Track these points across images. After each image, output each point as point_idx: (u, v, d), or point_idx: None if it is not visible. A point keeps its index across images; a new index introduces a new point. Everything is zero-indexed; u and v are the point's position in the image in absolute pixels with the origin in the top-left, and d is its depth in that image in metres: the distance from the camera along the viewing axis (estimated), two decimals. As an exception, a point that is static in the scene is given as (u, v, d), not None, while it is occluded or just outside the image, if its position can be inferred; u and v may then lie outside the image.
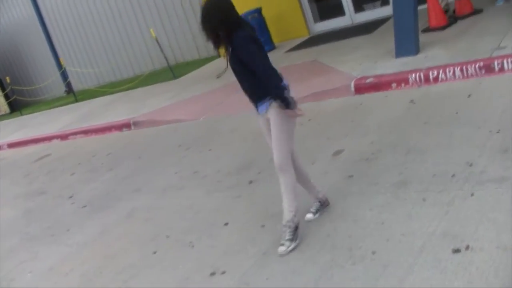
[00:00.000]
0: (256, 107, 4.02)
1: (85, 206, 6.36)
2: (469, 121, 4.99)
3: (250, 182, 5.36)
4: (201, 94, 9.79)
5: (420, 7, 9.22)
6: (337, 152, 5.34)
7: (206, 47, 13.68)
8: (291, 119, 3.89)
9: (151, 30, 12.40)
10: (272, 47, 11.45)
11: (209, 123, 8.05)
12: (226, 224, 4.65)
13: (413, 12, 7.02)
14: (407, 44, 7.09)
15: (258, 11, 11.25)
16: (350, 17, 11.12)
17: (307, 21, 11.55)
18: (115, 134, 9.54)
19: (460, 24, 8.01)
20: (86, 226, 5.73)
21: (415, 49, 7.11)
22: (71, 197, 6.86)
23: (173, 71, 11.94)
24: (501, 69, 5.87)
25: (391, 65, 7.06)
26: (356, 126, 5.91)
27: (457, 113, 5.30)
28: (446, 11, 8.22)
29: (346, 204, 4.24)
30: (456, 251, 3.23)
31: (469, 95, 5.63)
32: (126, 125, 9.47)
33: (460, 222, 3.49)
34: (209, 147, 6.90)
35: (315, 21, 11.56)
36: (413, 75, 6.46)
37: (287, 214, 3.90)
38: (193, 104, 9.27)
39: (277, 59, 10.35)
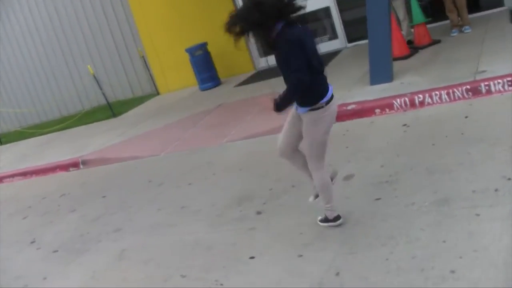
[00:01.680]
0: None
1: (56, 251, 5.66)
2: (480, 140, 4.95)
3: (259, 213, 4.98)
4: (152, 130, 9.32)
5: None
6: (348, 177, 5.10)
7: (140, 85, 13.20)
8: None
9: (89, 66, 11.76)
10: (218, 83, 11.19)
11: (174, 158, 7.58)
12: (252, 257, 4.22)
13: (388, 40, 7.03)
14: (382, 72, 7.08)
15: (204, 46, 10.96)
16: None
17: (252, 56, 11.39)
18: (61, 174, 8.78)
19: (423, 54, 8.17)
20: (68, 272, 5.06)
21: (390, 77, 7.11)
22: (33, 242, 6.12)
23: (112, 109, 11.30)
24: (488, 91, 5.95)
25: (369, 92, 7.00)
26: (354, 151, 5.72)
27: (462, 133, 5.25)
28: (408, 41, 8.36)
29: (390, 226, 3.99)
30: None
31: (466, 116, 5.62)
32: (74, 165, 8.75)
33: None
34: (187, 182, 6.44)
35: (261, 55, 11.41)
36: (398, 100, 6.42)
37: None
38: (147, 141, 8.77)
39: (228, 94, 10.14)
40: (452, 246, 3.52)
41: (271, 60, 11.08)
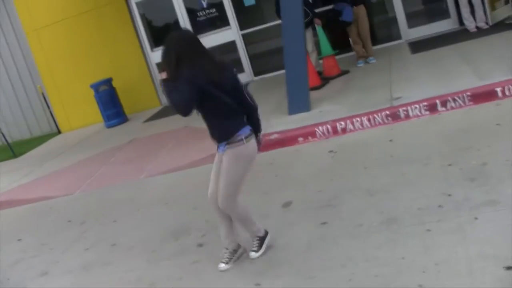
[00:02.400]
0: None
1: (-27, 303, 5.09)
2: (411, 160, 5.14)
3: (200, 245, 4.81)
4: (61, 169, 8.81)
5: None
6: (287, 204, 5.08)
7: (39, 124, 12.55)
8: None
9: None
10: (125, 119, 10.86)
11: (90, 196, 7.20)
12: (206, 291, 4.03)
13: (305, 70, 7.20)
14: (300, 101, 7.22)
15: (109, 81, 10.65)
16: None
17: (158, 92, 11.22)
18: (-41, 221, 7.99)
19: (334, 84, 8.44)
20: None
21: (308, 106, 7.25)
22: None
23: (13, 150, 10.60)
24: (407, 116, 6.23)
25: (289, 121, 7.09)
26: (285, 179, 5.73)
27: (392, 156, 5.43)
28: (319, 72, 8.61)
29: (344, 248, 3.97)
30: (509, 268, 3.15)
31: (391, 140, 5.83)
32: (-26, 210, 8.01)
33: (487, 243, 3.47)
34: (111, 219, 6.12)
35: (167, 91, 11.25)
36: (320, 127, 6.55)
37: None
38: (58, 180, 8.27)
39: (137, 129, 9.90)
40: (412, 261, 3.56)
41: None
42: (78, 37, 11.01)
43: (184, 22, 10.77)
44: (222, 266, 4.11)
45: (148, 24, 11.14)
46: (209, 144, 7.21)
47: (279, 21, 9.82)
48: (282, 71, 9.92)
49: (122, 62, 10.88)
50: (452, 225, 3.83)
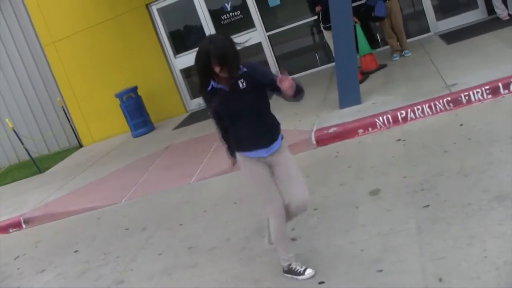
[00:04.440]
0: (267, 146, 3.71)
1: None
2: (493, 141, 5.06)
3: (294, 239, 4.63)
4: (97, 180, 8.61)
5: (327, 66, 9.60)
6: (374, 192, 4.94)
7: (56, 139, 12.31)
8: None
9: (7, 120, 10.73)
10: (152, 128, 10.68)
11: (140, 203, 7.02)
12: (322, 282, 3.88)
13: (355, 64, 7.12)
14: (351, 94, 7.12)
15: (134, 90, 10.47)
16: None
17: (183, 99, 11.07)
18: (0, 237, 7.77)
19: (375, 77, 8.35)
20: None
21: (359, 99, 7.15)
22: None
23: (37, 165, 10.35)
24: (469, 101, 6.14)
25: (343, 115, 6.98)
26: (360, 169, 5.60)
27: (469, 138, 5.33)
28: (358, 67, 8.53)
29: (462, 228, 3.85)
30: None
31: (461, 124, 5.74)
32: (14, 225, 7.81)
33: None
34: (177, 222, 5.95)
35: (192, 97, 11.12)
36: (381, 118, 6.44)
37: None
38: (98, 191, 8.07)
39: (169, 137, 9.73)
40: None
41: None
42: (99, 47, 10.83)
43: (208, 26, 10.65)
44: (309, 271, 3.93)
45: (170, 29, 10.96)
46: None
47: (305, 20, 9.82)
48: (311, 71, 9.93)
49: (145, 70, 10.72)
50: None
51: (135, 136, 10.55)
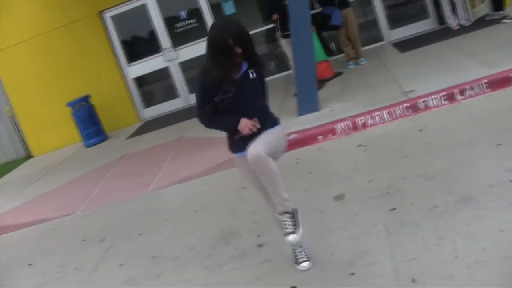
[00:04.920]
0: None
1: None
2: (454, 145, 5.15)
3: (260, 245, 4.58)
4: (49, 191, 8.33)
5: (281, 74, 9.62)
6: (339, 197, 4.96)
7: (3, 150, 11.87)
8: None
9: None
10: (105, 137, 10.44)
11: (97, 214, 6.81)
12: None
13: (314, 72, 7.17)
14: (310, 102, 7.17)
15: (86, 98, 10.22)
16: (185, 98, 10.85)
17: (136, 108, 10.89)
18: None
19: (332, 85, 8.43)
20: None
21: (317, 106, 7.20)
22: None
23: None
24: (427, 107, 6.27)
25: (301, 122, 7.01)
26: (323, 175, 5.61)
27: (429, 143, 5.42)
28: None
29: (431, 230, 3.87)
30: None
31: (420, 130, 5.83)
32: (-40, 239, 7.41)
33: None
34: (136, 232, 5.80)
35: (145, 106, 10.95)
36: (340, 124, 6.48)
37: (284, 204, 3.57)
38: (51, 202, 7.80)
39: (123, 146, 9.54)
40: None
41: (159, 109, 10.76)
42: (50, 55, 10.54)
43: (163, 34, 10.53)
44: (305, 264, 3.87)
45: (124, 37, 10.77)
46: (216, 153, 7.10)
47: (260, 29, 9.84)
48: (266, 79, 9.91)
49: (98, 78, 10.50)
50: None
51: (88, 146, 10.29)
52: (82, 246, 5.92)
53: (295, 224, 3.57)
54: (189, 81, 10.79)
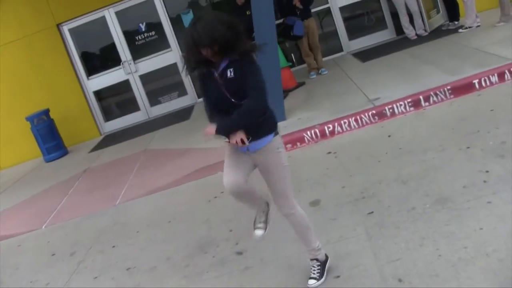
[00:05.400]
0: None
1: None
2: (424, 149, 5.29)
3: (239, 253, 4.57)
4: (10, 208, 8.07)
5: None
6: (315, 203, 5.00)
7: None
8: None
9: None
10: (65, 152, 10.21)
11: (64, 228, 6.64)
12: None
13: (280, 81, 7.22)
14: (276, 111, 7.12)
15: (46, 112, 10.00)
16: (146, 111, 10.74)
17: (97, 121, 10.72)
18: None
19: (296, 95, 8.51)
20: None
21: (284, 115, 7.26)
22: None
23: None
24: (393, 113, 6.41)
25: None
26: (296, 182, 5.55)
27: (400, 148, 5.53)
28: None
29: (411, 231, 3.95)
30: None
31: (389, 135, 5.96)
32: None
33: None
34: (109, 245, 5.69)
35: (106, 120, 10.79)
36: (308, 132, 6.55)
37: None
38: (13, 218, 7.56)
39: (86, 160, 9.35)
40: (494, 229, 3.64)
41: (119, 123, 10.59)
42: (7, 68, 10.26)
43: (122, 47, 10.42)
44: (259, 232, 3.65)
45: (83, 50, 10.61)
46: (182, 164, 7.05)
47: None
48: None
49: (57, 92, 10.29)
50: (510, 194, 3.90)
51: (48, 160, 10.04)
52: (51, 261, 5.77)
53: (320, 273, 3.67)
54: (149, 94, 10.68)
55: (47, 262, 5.75)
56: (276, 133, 3.51)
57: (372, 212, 4.40)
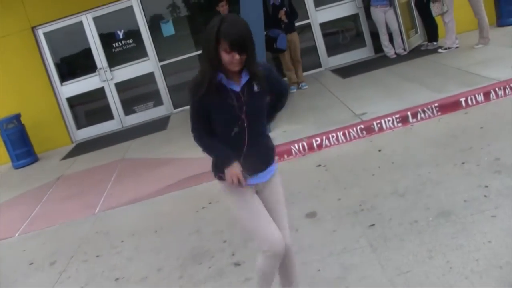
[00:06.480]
0: (264, 169, 3.01)
1: None
2: (418, 164, 5.31)
3: (237, 264, 4.47)
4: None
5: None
6: (311, 215, 4.95)
7: None
8: None
9: None
10: (35, 159, 9.89)
11: (40, 236, 6.37)
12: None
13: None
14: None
15: (17, 117, 9.68)
16: (120, 120, 10.53)
17: (68, 129, 10.44)
18: None
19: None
20: None
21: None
22: None
23: None
24: (381, 129, 6.44)
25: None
26: (288, 194, 5.40)
27: (393, 163, 5.55)
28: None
29: (418, 244, 3.93)
30: None
31: (380, 150, 5.97)
32: None
33: None
34: (92, 255, 5.49)
35: (78, 127, 10.52)
36: (296, 145, 6.52)
37: None
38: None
39: (58, 168, 9.10)
40: (503, 242, 3.63)
41: (92, 131, 10.29)
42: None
43: (99, 53, 10.22)
44: None
45: (57, 55, 10.34)
46: (164, 173, 6.90)
47: (199, 51, 9.78)
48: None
49: (28, 97, 9.97)
50: (512, 211, 3.93)
51: (17, 167, 9.69)
52: (29, 270, 5.52)
53: None
54: (124, 103, 10.47)
55: (25, 272, 5.51)
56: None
57: (374, 224, 4.35)
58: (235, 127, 2.85)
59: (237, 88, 2.84)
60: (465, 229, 3.90)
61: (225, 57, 2.71)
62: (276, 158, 3.12)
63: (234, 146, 2.90)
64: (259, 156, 2.96)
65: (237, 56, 2.70)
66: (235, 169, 2.83)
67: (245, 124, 2.85)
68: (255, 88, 2.85)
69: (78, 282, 4.91)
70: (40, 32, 10.14)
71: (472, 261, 3.49)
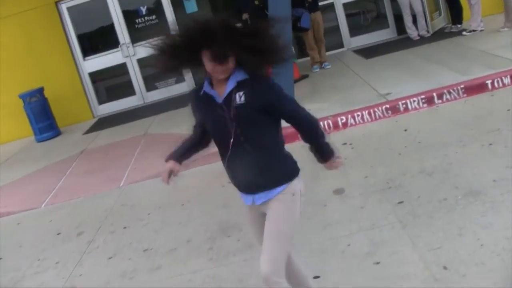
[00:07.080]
0: (254, 192, 2.76)
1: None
2: (445, 144, 5.33)
3: (265, 236, 4.50)
4: (6, 185, 7.86)
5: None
6: (339, 191, 4.98)
7: None
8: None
9: None
10: (58, 133, 9.99)
11: (66, 208, 6.47)
12: (317, 277, 3.81)
13: (292, 69, 7.18)
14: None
15: (41, 91, 9.77)
16: (141, 96, 10.59)
17: (90, 104, 10.52)
18: None
19: (300, 87, 8.47)
20: None
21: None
22: None
23: None
24: (406, 109, 6.44)
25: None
26: (315, 170, 5.49)
27: (419, 142, 5.56)
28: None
29: (447, 221, 3.96)
30: None
31: (406, 130, 5.98)
32: None
33: None
34: (119, 226, 5.57)
35: (100, 102, 10.60)
36: (320, 123, 6.49)
37: None
38: (10, 196, 7.36)
39: (81, 142, 9.18)
40: None
41: (113, 106, 10.38)
42: (1, 44, 9.96)
43: (122, 29, 10.25)
44: None
45: (80, 30, 10.39)
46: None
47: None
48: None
49: (51, 71, 10.05)
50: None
51: (40, 140, 9.81)
52: (57, 239, 5.62)
53: None
54: (146, 79, 10.52)
55: (53, 241, 5.60)
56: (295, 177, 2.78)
57: (402, 201, 4.39)
58: (218, 134, 2.74)
59: (219, 99, 2.65)
60: (495, 208, 3.92)
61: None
62: (289, 186, 2.75)
63: (220, 152, 2.81)
64: (245, 173, 2.72)
65: (231, 60, 2.56)
66: (166, 166, 2.87)
67: (232, 133, 2.63)
68: (237, 99, 2.59)
69: (106, 253, 4.99)
70: (64, 7, 10.19)
71: (503, 239, 3.52)
